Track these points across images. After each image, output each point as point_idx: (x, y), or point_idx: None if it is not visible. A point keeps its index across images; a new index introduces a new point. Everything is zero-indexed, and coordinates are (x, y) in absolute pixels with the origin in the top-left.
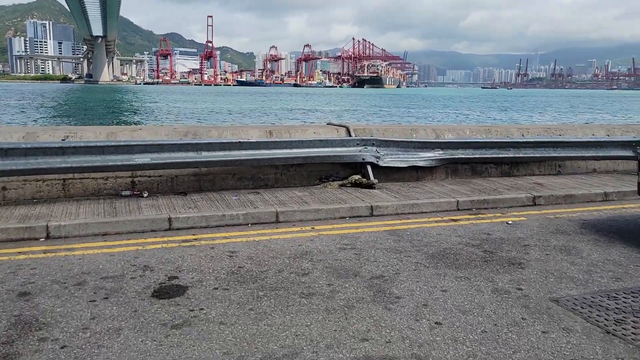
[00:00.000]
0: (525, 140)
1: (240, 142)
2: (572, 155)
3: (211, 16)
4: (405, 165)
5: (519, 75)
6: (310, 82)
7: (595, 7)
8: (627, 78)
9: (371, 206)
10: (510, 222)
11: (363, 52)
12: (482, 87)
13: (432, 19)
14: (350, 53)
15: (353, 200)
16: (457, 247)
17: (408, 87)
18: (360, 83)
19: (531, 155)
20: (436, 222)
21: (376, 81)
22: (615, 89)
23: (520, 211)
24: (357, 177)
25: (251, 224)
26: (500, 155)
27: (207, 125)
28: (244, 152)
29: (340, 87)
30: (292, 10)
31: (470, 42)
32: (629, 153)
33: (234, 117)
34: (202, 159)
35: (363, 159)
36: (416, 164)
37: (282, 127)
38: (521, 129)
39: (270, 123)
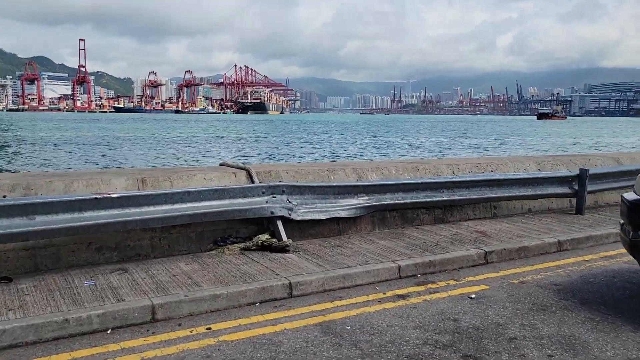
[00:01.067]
0: (459, 179)
1: (97, 198)
2: (508, 195)
3: (83, 39)
4: (325, 217)
5: (393, 102)
6: (192, 108)
7: (457, 41)
8: (487, 104)
9: (289, 283)
10: (472, 296)
11: (245, 79)
12: (360, 113)
13: (312, 47)
14: (232, 79)
15: (263, 274)
16: (423, 351)
17: (291, 113)
18: (243, 109)
19: (466, 197)
20: (379, 301)
21: (260, 107)
22: (478, 114)
23: (475, 274)
24: (264, 236)
25: (112, 329)
26: (434, 199)
27: (48, 172)
28: (103, 212)
29: (223, 113)
30: (172, 36)
31: (349, 70)
32: (565, 190)
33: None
34: (37, 228)
35: (272, 213)
36: (338, 215)
37: (159, 172)
38: (451, 166)
39: (145, 166)
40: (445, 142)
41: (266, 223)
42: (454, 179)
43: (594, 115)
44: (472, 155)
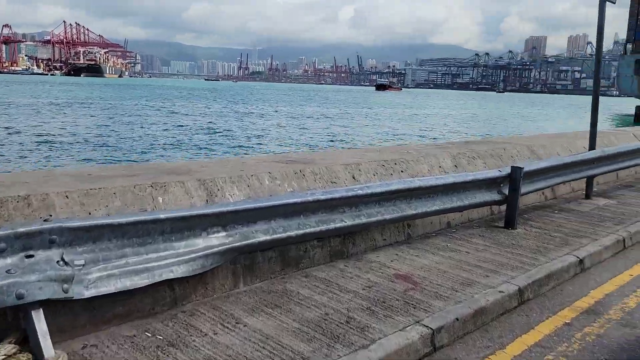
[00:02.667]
0: (368, 192)
1: None
2: (431, 210)
3: None
4: (146, 283)
5: (240, 69)
6: (13, 68)
7: (305, 10)
8: (330, 74)
9: None
10: None
11: (77, 38)
12: (206, 79)
13: (155, 7)
14: (61, 37)
15: None
16: None
17: (131, 77)
18: (76, 71)
19: (378, 218)
20: None
21: (95, 70)
22: (323, 83)
23: None
24: (4, 349)
25: None
26: (332, 226)
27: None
28: None
29: (52, 75)
30: None
31: (194, 34)
32: (494, 195)
33: None
34: None
35: (19, 297)
36: (170, 276)
37: None
38: (349, 166)
39: None
40: (306, 112)
41: (11, 316)
42: (360, 192)
43: (424, 88)
44: (334, 128)
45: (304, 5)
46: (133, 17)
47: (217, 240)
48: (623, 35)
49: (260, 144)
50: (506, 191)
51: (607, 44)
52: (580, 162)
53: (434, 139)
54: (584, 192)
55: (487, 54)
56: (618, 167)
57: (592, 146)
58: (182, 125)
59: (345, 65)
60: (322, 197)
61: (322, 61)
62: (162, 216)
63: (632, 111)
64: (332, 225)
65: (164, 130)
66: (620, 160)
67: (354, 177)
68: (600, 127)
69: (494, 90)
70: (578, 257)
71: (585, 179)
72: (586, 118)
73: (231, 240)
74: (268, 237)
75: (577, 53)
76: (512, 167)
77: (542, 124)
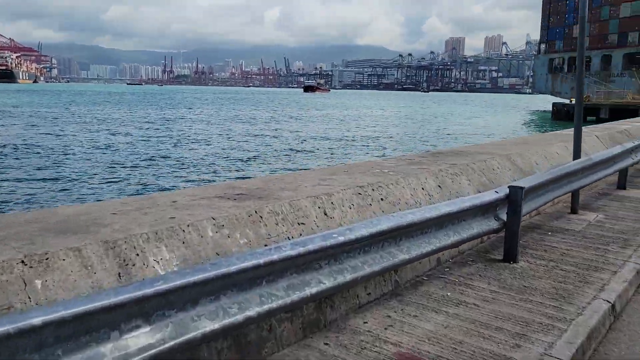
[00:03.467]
0: (352, 237)
1: None
2: (423, 251)
3: None
4: None
5: (164, 72)
6: None
7: (228, 12)
8: (258, 77)
9: None
10: None
11: None
12: (128, 84)
13: (70, 8)
14: None
15: None
16: None
17: (47, 82)
18: None
19: (363, 272)
20: None
21: (7, 75)
22: (251, 85)
23: None
24: None
25: None
26: (306, 293)
27: None
28: None
29: None
30: None
31: (114, 36)
32: (492, 223)
33: None
34: None
35: None
36: None
37: None
38: (318, 199)
39: None
40: (243, 114)
41: None
42: (341, 238)
43: (351, 89)
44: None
45: (227, 7)
46: (47, 19)
47: (137, 341)
48: (534, 36)
49: (193, 162)
50: (504, 216)
51: (520, 44)
52: (572, 173)
53: (376, 138)
54: (567, 205)
55: (410, 54)
56: (603, 174)
57: (577, 153)
58: (88, 140)
59: (273, 68)
60: (292, 253)
61: (249, 64)
62: (37, 321)
63: (548, 107)
64: (306, 292)
65: (63, 146)
66: (603, 167)
67: (325, 214)
68: (522, 123)
69: (419, 90)
70: (609, 302)
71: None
72: (509, 114)
73: (160, 338)
74: (217, 325)
75: (493, 53)
76: (510, 186)
77: (475, 121)
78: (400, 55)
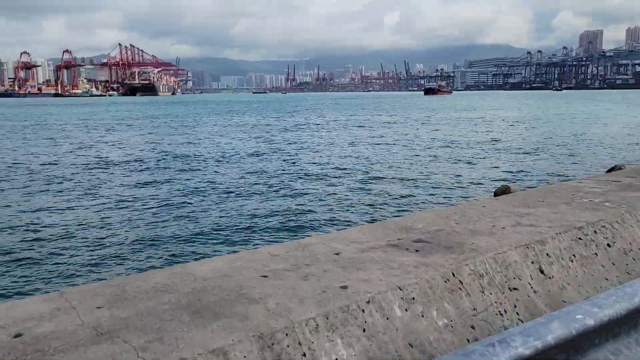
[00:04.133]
0: (602, 317)
1: None
2: None
3: None
4: None
5: (288, 80)
6: (74, 91)
7: (348, 19)
8: (378, 81)
9: None
10: None
11: (132, 59)
12: (253, 92)
13: (203, 25)
14: (117, 60)
15: None
16: None
17: (183, 94)
18: (132, 91)
19: None
20: None
21: (149, 89)
22: (371, 90)
23: None
24: None
25: None
26: None
27: None
28: None
29: (109, 95)
30: (47, 13)
31: (241, 48)
32: None
33: None
34: None
35: None
36: None
37: None
38: (530, 250)
39: None
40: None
41: None
42: (590, 322)
43: (475, 90)
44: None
45: (346, 14)
46: (184, 35)
47: None
48: None
49: (329, 173)
50: None
51: None
52: None
53: (521, 141)
54: None
55: (539, 51)
56: None
57: None
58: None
59: (392, 71)
60: (526, 352)
61: (368, 68)
62: None
63: None
64: None
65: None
66: None
67: (542, 271)
68: None
69: (549, 89)
70: None
71: None
72: None
73: None
74: None
75: (636, 45)
76: None
77: (627, 120)
78: (529, 53)
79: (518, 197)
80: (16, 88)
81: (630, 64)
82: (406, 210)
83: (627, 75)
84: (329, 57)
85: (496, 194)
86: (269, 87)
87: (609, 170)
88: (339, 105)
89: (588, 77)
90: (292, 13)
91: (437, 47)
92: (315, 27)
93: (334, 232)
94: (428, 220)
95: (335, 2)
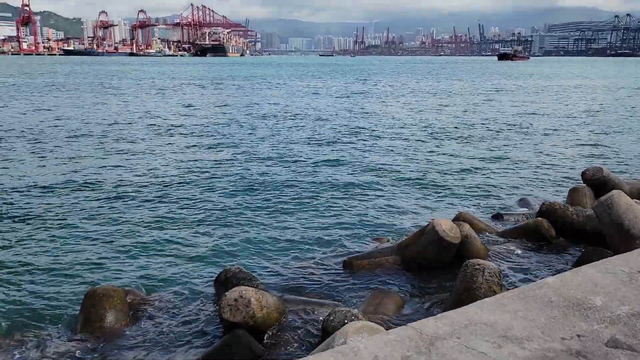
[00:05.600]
0: None
1: None
2: None
3: None
4: None
5: (356, 43)
6: (148, 50)
7: None
8: (449, 45)
9: None
10: None
11: (203, 20)
12: (320, 55)
13: None
14: (189, 20)
15: None
16: None
17: (252, 55)
18: (202, 52)
19: None
20: None
21: (219, 49)
22: (442, 54)
23: None
24: None
25: None
26: None
27: None
28: None
29: (181, 56)
30: None
31: (311, 10)
32: None
33: None
34: None
35: None
36: None
37: None
38: None
39: None
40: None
41: None
42: None
43: (554, 55)
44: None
45: None
46: None
47: None
48: None
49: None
50: None
51: None
52: None
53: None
54: None
55: (628, 14)
56: None
57: None
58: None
59: (466, 35)
60: None
61: (440, 31)
62: None
63: None
64: None
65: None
66: None
67: None
68: None
69: (637, 56)
70: None
71: None
72: None
73: None
74: None
75: None
76: None
77: None
78: (616, 16)
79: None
80: (95, 47)
81: None
82: (493, 206)
83: None
84: (400, 20)
85: (585, 179)
86: (337, 49)
87: None
88: (399, 71)
89: None
90: None
91: (514, 9)
92: None
93: (451, 312)
94: (608, 286)
95: None
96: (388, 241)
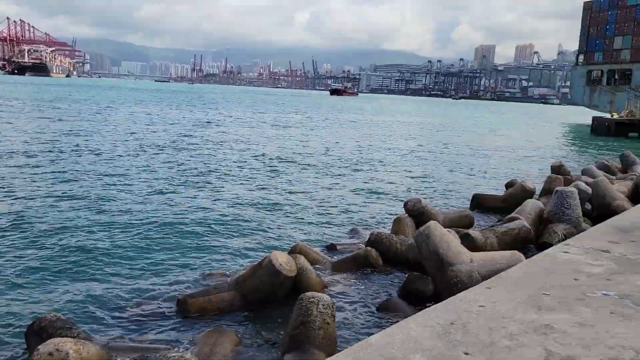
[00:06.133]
0: None
1: None
2: None
3: None
4: None
5: (194, 71)
6: None
7: (258, 13)
8: (286, 78)
9: None
10: None
11: (22, 35)
12: (155, 80)
13: (106, 6)
14: (4, 35)
15: None
16: None
17: (80, 77)
18: (20, 70)
19: None
20: None
21: (41, 69)
22: (279, 87)
23: None
24: None
25: None
26: None
27: None
28: None
29: None
30: None
31: (146, 33)
32: None
33: None
34: None
35: None
36: None
37: None
38: None
39: None
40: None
41: None
42: None
43: (379, 93)
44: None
45: (257, 7)
46: (83, 16)
47: None
48: (567, 46)
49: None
50: None
51: (552, 54)
52: None
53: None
54: None
55: (439, 61)
56: None
57: None
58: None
59: (301, 69)
60: None
61: (277, 64)
62: None
63: (582, 120)
64: None
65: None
66: None
67: None
68: (561, 136)
69: (447, 97)
70: None
71: None
72: (544, 126)
73: None
74: None
75: (523, 62)
76: None
77: (511, 133)
78: (430, 62)
79: (519, 284)
80: None
81: (518, 79)
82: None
83: (515, 89)
84: (238, 50)
85: (406, 209)
86: (174, 76)
87: (507, 186)
88: (253, 102)
89: (481, 88)
90: (200, 1)
91: (345, 49)
92: (224, 18)
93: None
94: (426, 340)
95: None
96: (224, 275)
